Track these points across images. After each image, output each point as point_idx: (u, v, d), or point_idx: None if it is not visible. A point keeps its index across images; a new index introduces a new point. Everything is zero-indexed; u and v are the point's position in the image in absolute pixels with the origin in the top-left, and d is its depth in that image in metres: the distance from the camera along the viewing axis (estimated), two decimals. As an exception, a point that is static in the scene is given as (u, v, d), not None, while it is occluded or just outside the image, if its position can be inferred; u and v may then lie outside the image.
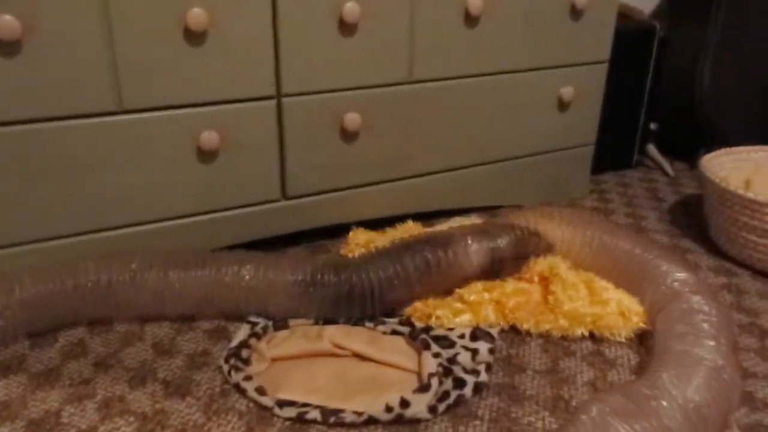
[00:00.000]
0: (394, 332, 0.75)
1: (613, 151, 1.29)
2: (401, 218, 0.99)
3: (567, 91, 1.06)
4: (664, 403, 0.59)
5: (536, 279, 0.81)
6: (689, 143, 1.34)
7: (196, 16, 0.75)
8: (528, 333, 0.78)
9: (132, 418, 0.62)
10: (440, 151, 1.00)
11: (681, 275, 0.77)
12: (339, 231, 0.96)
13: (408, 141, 0.96)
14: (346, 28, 0.85)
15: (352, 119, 0.89)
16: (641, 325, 0.77)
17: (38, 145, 0.74)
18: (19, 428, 0.60)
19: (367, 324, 0.76)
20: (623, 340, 0.77)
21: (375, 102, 0.91)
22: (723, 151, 1.08)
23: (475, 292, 0.79)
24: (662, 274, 0.78)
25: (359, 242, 0.92)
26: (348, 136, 0.91)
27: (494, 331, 0.76)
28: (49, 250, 0.79)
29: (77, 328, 0.76)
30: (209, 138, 0.82)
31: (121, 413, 0.62)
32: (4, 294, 0.71)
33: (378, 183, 0.96)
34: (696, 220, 1.09)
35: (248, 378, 0.66)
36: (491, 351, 0.73)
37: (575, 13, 1.02)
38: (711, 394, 0.61)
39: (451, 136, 1.00)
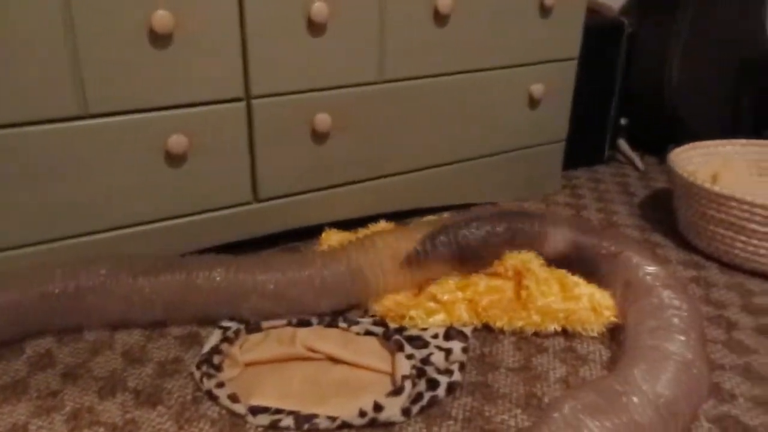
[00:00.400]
0: (368, 333, 0.75)
1: (585, 146, 1.31)
2: (374, 218, 0.99)
3: (537, 88, 1.07)
4: (635, 399, 0.60)
5: (510, 273, 0.81)
6: (659, 138, 1.36)
7: (161, 18, 0.74)
8: (501, 331, 0.78)
9: (102, 430, 0.61)
10: (412, 151, 1.00)
11: (652, 269, 0.78)
12: (312, 232, 0.96)
13: (380, 141, 0.96)
14: (315, 28, 0.85)
15: (323, 120, 0.89)
16: (612, 319, 0.78)
17: (1, 152, 0.73)
18: (-16, 443, 0.59)
19: (341, 324, 0.76)
20: (595, 334, 0.78)
21: (346, 102, 0.91)
22: (691, 145, 1.10)
23: (448, 291, 0.79)
24: (633, 267, 0.79)
25: (332, 243, 0.91)
26: (319, 137, 0.90)
27: (468, 330, 0.77)
28: (16, 258, 0.77)
29: (45, 337, 0.74)
30: (177, 142, 0.81)
31: (90, 425, 0.61)
32: (-33, 305, 0.69)
33: (350, 183, 0.96)
34: (666, 214, 1.11)
35: (220, 385, 0.66)
36: (465, 350, 0.73)
37: (544, 10, 1.02)
38: (681, 388, 0.62)
39: (423, 135, 1.00)
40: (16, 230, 0.76)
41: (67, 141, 0.76)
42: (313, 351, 0.71)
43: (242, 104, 0.84)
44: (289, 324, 0.76)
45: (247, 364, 0.70)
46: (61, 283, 0.73)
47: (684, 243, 1.01)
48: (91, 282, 0.74)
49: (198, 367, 0.68)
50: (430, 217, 1.00)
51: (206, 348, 0.71)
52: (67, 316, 0.74)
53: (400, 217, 1.02)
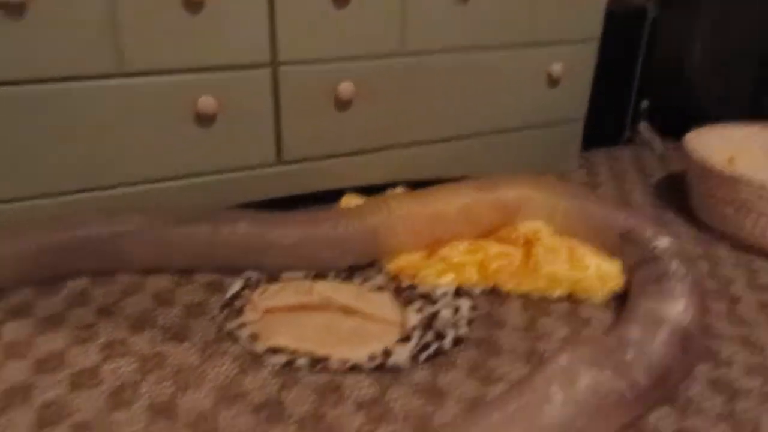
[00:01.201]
0: (381, 289, 0.79)
1: (605, 128, 1.32)
2: (393, 186, 1.03)
3: (556, 68, 1.09)
4: (630, 356, 0.63)
5: (521, 241, 0.84)
6: (680, 122, 1.37)
7: (196, -17, 0.78)
8: (508, 294, 0.82)
9: (132, 359, 0.66)
10: (432, 122, 1.03)
11: (661, 242, 0.81)
12: (332, 197, 1.00)
13: (400, 111, 0.99)
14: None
15: (346, 88, 0.92)
16: (618, 288, 0.81)
17: (43, 104, 0.78)
18: (27, 366, 0.65)
19: (355, 280, 0.80)
20: (599, 302, 0.81)
21: (369, 72, 0.95)
22: (708, 128, 1.11)
23: (459, 253, 0.83)
24: (644, 240, 0.82)
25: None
26: (342, 104, 0.94)
27: (476, 291, 0.80)
28: (51, 206, 0.83)
29: (81, 278, 0.80)
30: (206, 103, 0.85)
31: (122, 354, 0.67)
32: (11, 243, 0.75)
33: (371, 151, 1.00)
34: (680, 195, 1.12)
35: (242, 326, 0.70)
36: (472, 308, 0.77)
37: (566, -11, 1.04)
38: (674, 349, 0.65)
39: (443, 107, 1.03)
40: (54, 179, 0.82)
41: (103, 97, 0.80)
42: (328, 302, 0.75)
43: (269, 70, 0.88)
44: (307, 277, 0.81)
45: (266, 311, 0.74)
46: (96, 228, 0.79)
47: (696, 222, 1.03)
48: (125, 229, 0.79)
49: (221, 309, 0.73)
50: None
51: (229, 293, 0.76)
52: (102, 259, 0.80)
53: (418, 186, 1.05)
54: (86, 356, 0.66)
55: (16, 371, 0.64)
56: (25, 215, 0.81)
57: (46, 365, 0.65)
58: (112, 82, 0.81)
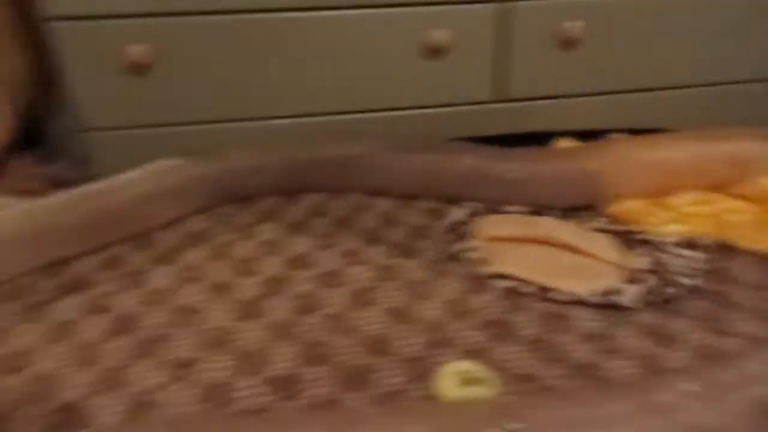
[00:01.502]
0: (601, 231, 0.78)
1: None
2: (606, 132, 0.99)
3: (806, 11, 0.98)
4: None
5: (760, 197, 0.78)
6: None
7: None
8: (743, 250, 0.76)
9: (369, 267, 0.71)
10: (658, 68, 0.98)
11: None
12: (542, 139, 0.98)
13: (627, 54, 0.95)
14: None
15: (575, 27, 0.90)
16: None
17: (286, 33, 0.85)
18: (280, 262, 0.73)
19: (574, 219, 0.80)
20: None
21: (598, 11, 0.91)
22: None
23: (688, 203, 0.79)
24: None
25: (566, 149, 0.94)
26: (570, 43, 0.92)
27: (706, 243, 0.76)
28: (286, 127, 0.91)
29: (317, 193, 0.87)
30: (436, 36, 0.88)
31: (360, 263, 0.72)
32: (262, 157, 0.84)
33: (593, 94, 0.97)
34: None
35: (468, 250, 0.73)
36: (702, 260, 0.73)
37: None
38: None
39: (671, 53, 0.97)
40: (293, 103, 0.90)
41: (341, 28, 0.86)
42: (551, 237, 0.75)
43: (499, 6, 0.88)
44: (527, 212, 0.81)
45: (489, 239, 0.76)
46: (327, 150, 0.86)
47: None
48: (351, 152, 0.85)
49: (446, 233, 0.77)
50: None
51: (453, 218, 0.79)
52: (333, 178, 0.86)
53: (634, 134, 1.01)
54: (330, 260, 0.73)
55: (273, 265, 0.72)
56: (272, 133, 0.90)
57: (297, 263, 0.72)
58: (350, 12, 0.85)
